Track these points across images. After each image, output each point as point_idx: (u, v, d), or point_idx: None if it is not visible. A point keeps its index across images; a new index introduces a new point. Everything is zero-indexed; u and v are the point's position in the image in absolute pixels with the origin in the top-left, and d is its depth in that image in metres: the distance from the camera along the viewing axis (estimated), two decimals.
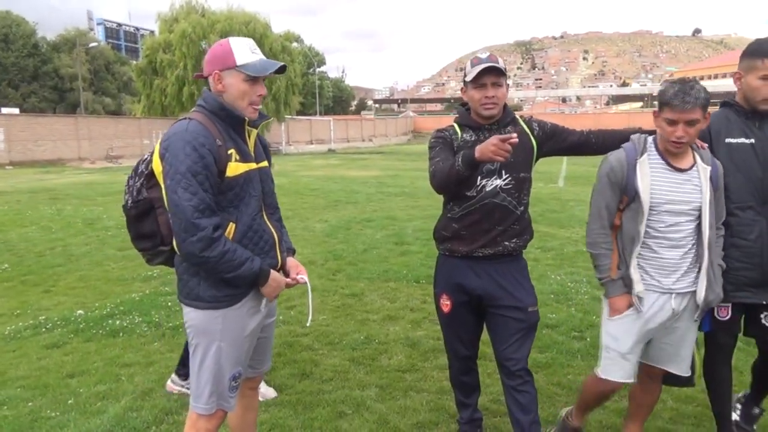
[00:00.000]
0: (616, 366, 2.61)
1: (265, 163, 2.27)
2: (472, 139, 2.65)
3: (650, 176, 2.47)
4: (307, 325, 2.37)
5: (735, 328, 2.81)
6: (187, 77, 32.22)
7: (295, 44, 37.86)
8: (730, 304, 2.77)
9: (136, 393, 3.50)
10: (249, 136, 2.19)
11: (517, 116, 2.74)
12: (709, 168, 2.49)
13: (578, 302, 5.24)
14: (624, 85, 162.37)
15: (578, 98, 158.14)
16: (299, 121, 46.37)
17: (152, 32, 55.13)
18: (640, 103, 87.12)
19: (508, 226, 2.63)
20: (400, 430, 3.08)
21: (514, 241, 2.65)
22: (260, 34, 33.10)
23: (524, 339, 2.65)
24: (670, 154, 2.49)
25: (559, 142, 2.75)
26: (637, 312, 2.54)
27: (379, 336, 4.44)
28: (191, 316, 2.15)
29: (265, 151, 2.33)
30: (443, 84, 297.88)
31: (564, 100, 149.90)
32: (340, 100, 71.21)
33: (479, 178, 2.61)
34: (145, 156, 2.27)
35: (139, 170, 2.23)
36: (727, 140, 2.74)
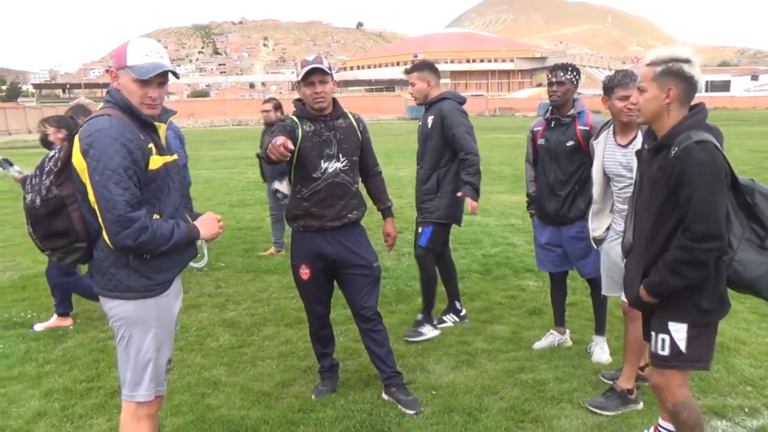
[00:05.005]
0: None
1: (176, 156, 2.38)
2: (312, 129, 3.15)
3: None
4: (202, 263, 2.67)
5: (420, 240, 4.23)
6: None
7: None
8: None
9: None
10: (158, 130, 2.28)
11: (347, 112, 3.30)
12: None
13: None
14: None
15: (264, 84, 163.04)
16: None
17: None
18: None
19: (348, 200, 3.22)
20: (266, 392, 3.42)
21: (354, 212, 3.25)
22: None
23: (372, 289, 3.31)
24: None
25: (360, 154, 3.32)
26: None
27: (193, 324, 4.53)
28: (122, 309, 2.21)
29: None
30: None
31: (252, 86, 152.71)
32: None
33: (322, 161, 3.13)
34: (51, 153, 2.19)
35: (47, 168, 2.16)
36: (419, 123, 4.30)
